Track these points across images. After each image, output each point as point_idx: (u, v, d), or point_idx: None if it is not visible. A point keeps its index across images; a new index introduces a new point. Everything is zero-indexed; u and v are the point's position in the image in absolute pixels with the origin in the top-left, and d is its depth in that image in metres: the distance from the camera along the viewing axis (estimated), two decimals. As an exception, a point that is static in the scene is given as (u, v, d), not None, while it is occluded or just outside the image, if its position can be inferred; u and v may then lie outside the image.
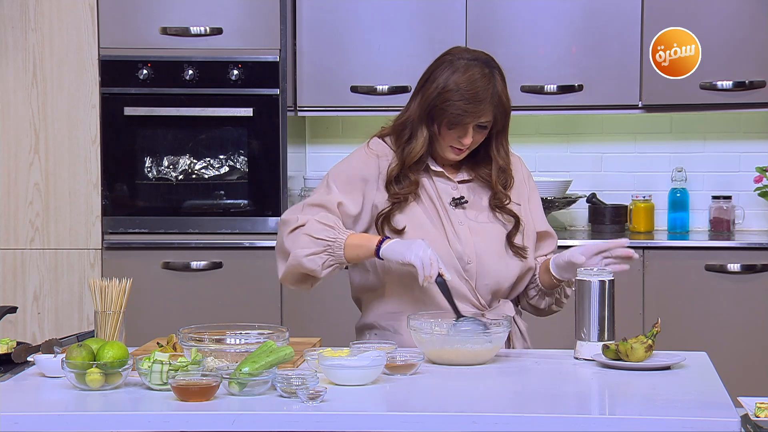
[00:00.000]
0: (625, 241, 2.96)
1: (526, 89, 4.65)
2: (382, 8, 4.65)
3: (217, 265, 4.59)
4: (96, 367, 2.52)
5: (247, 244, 4.58)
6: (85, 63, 4.53)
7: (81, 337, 2.89)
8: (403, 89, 4.67)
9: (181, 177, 4.61)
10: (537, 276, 3.09)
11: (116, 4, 4.53)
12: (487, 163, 3.05)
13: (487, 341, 2.77)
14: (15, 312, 3.14)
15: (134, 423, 2.37)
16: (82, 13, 4.51)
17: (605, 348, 2.77)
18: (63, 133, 4.55)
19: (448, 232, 3.01)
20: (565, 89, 4.65)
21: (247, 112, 4.56)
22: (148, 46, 4.55)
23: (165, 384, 2.51)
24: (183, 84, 4.56)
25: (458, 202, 3.04)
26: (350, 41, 4.68)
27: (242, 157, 4.59)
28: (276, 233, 4.60)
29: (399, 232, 3.00)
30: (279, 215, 4.60)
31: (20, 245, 4.56)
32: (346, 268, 3.03)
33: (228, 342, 2.72)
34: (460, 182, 3.06)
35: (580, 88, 4.65)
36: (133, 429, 2.37)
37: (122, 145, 4.60)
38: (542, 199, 4.68)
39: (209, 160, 4.61)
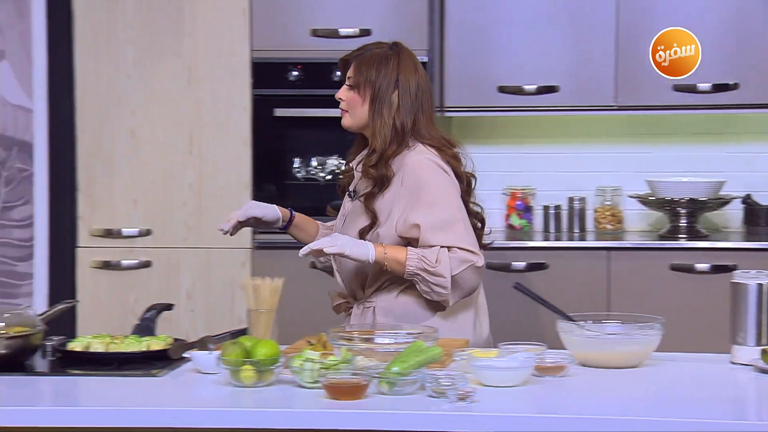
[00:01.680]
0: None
1: (679, 88, 4.56)
2: (530, 7, 4.62)
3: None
4: (249, 364, 2.57)
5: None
6: (238, 65, 4.60)
7: (234, 335, 2.93)
8: (551, 89, 4.62)
9: (329, 177, 4.65)
10: None
11: (268, 7, 4.59)
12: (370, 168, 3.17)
13: (638, 344, 2.73)
14: (171, 309, 3.21)
15: (286, 420, 2.41)
16: (235, 16, 4.58)
17: (764, 353, 2.70)
18: (216, 135, 4.63)
19: (337, 221, 3.31)
20: (719, 88, 4.54)
21: (395, 112, 4.57)
22: (298, 47, 4.60)
23: (316, 382, 2.54)
24: (332, 85, 4.58)
25: (352, 195, 3.26)
26: (497, 41, 4.66)
27: (390, 158, 4.61)
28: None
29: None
30: (426, 215, 4.60)
31: (175, 244, 4.66)
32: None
33: (377, 341, 2.74)
34: (364, 176, 3.21)
35: (735, 86, 4.54)
36: (285, 426, 2.40)
37: (272, 146, 4.66)
38: (694, 200, 4.59)
39: (357, 161, 4.64)
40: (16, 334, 2.71)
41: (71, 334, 3.30)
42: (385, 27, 4.56)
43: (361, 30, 4.57)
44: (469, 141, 4.97)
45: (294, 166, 4.67)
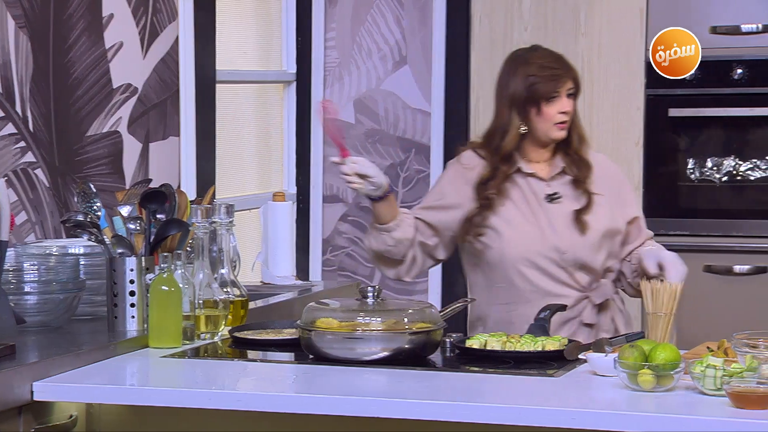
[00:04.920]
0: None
1: None
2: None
3: (761, 270, 4.45)
4: (648, 368, 2.53)
5: (795, 249, 4.40)
6: (632, 65, 4.55)
7: (630, 338, 2.90)
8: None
9: (725, 179, 4.52)
10: (632, 260, 3.31)
11: (666, 6, 4.51)
12: (573, 160, 3.32)
13: None
14: (565, 310, 3.22)
15: (688, 426, 2.35)
16: (632, 15, 4.53)
17: None
18: (607, 136, 4.61)
19: (544, 226, 3.28)
20: None
21: (796, 111, 4.39)
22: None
23: (719, 389, 2.46)
24: (730, 84, 4.47)
25: (552, 198, 3.30)
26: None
27: (790, 159, 4.43)
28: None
29: (496, 231, 3.29)
30: (827, 219, 4.38)
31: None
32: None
33: (785, 350, 2.62)
34: (552, 180, 3.33)
35: None
36: (687, 431, 2.35)
37: (665, 147, 4.59)
38: None
39: (755, 162, 4.48)
40: (419, 330, 2.81)
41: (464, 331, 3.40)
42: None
43: (764, 26, 4.41)
44: None
45: (688, 167, 4.57)
